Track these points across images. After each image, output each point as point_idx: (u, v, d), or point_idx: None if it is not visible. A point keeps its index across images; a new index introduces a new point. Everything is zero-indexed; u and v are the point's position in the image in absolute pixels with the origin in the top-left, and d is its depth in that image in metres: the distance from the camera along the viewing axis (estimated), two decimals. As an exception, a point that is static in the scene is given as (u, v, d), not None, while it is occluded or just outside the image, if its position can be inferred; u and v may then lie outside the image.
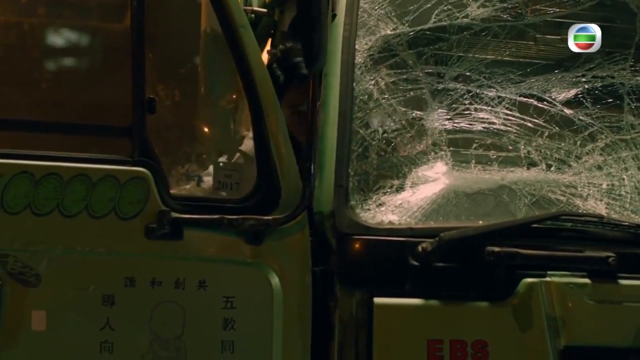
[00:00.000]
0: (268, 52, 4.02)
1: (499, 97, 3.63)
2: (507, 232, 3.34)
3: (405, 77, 3.56)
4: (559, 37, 3.77)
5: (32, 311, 3.03)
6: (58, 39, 3.49)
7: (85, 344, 3.07)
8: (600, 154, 3.64)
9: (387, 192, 3.41)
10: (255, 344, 3.18)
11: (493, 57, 3.67)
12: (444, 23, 3.62)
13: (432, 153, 3.51)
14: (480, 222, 3.38)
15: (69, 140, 3.23)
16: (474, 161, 3.54)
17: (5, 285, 3.02)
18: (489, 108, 3.61)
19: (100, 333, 3.07)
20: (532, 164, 3.58)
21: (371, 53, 3.54)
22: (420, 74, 3.58)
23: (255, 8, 4.05)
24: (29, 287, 3.04)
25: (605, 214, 3.50)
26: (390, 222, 3.34)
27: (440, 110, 3.56)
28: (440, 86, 3.60)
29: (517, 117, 3.62)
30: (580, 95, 3.72)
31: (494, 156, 3.56)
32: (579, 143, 3.64)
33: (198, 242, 3.17)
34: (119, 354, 3.08)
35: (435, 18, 3.61)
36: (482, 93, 3.62)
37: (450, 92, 3.60)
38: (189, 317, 3.13)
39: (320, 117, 3.42)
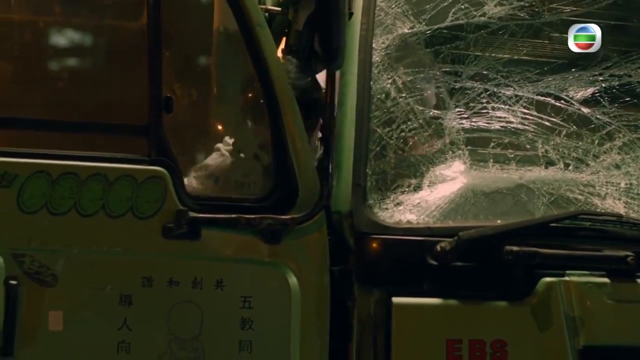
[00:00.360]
0: (282, 51, 4.01)
1: (516, 95, 3.62)
2: (526, 231, 3.33)
3: (422, 75, 3.55)
4: (576, 35, 3.77)
5: (49, 311, 3.01)
6: (74, 37, 3.48)
7: (103, 344, 3.05)
8: (618, 153, 3.63)
9: (405, 191, 3.40)
10: (273, 343, 3.16)
11: (510, 55, 3.66)
12: (461, 22, 3.61)
13: (450, 152, 3.50)
14: (499, 221, 3.37)
15: (85, 139, 3.22)
16: (491, 160, 3.53)
17: (22, 285, 2.99)
18: (507, 107, 3.60)
19: (118, 333, 3.05)
20: (550, 163, 3.57)
21: (388, 52, 3.53)
22: (438, 73, 3.58)
23: (269, 7, 4.03)
24: (45, 287, 3.01)
25: (624, 213, 3.50)
26: (409, 222, 3.33)
27: (457, 109, 3.55)
28: (458, 85, 3.59)
29: (535, 116, 3.61)
30: (597, 94, 3.71)
31: (512, 155, 3.55)
32: (596, 142, 3.64)
33: (216, 241, 3.15)
34: (137, 354, 3.06)
35: (452, 17, 3.60)
36: (500, 92, 3.61)
37: (468, 91, 3.59)
38: (207, 317, 3.11)
39: (338, 116, 3.41)
